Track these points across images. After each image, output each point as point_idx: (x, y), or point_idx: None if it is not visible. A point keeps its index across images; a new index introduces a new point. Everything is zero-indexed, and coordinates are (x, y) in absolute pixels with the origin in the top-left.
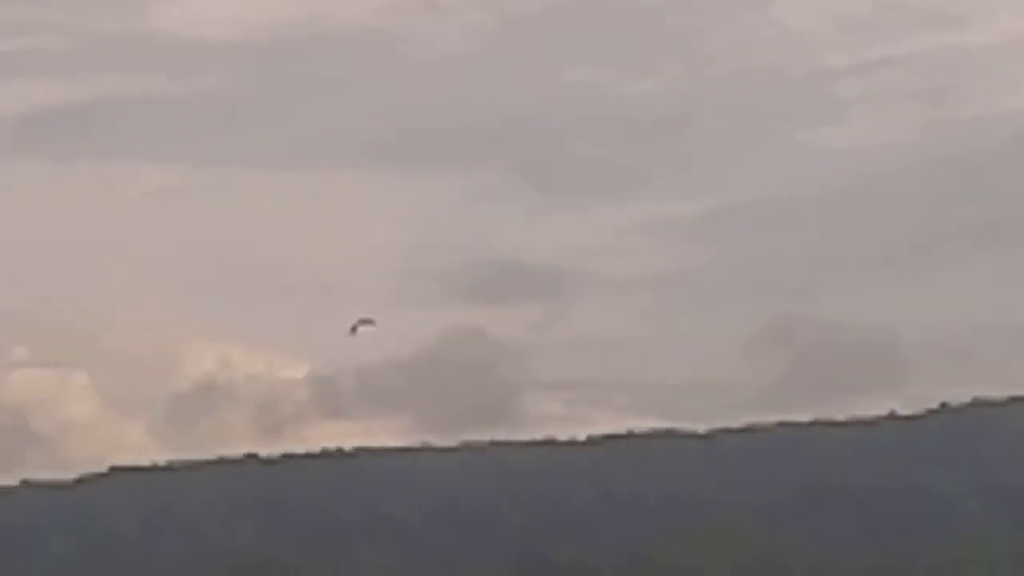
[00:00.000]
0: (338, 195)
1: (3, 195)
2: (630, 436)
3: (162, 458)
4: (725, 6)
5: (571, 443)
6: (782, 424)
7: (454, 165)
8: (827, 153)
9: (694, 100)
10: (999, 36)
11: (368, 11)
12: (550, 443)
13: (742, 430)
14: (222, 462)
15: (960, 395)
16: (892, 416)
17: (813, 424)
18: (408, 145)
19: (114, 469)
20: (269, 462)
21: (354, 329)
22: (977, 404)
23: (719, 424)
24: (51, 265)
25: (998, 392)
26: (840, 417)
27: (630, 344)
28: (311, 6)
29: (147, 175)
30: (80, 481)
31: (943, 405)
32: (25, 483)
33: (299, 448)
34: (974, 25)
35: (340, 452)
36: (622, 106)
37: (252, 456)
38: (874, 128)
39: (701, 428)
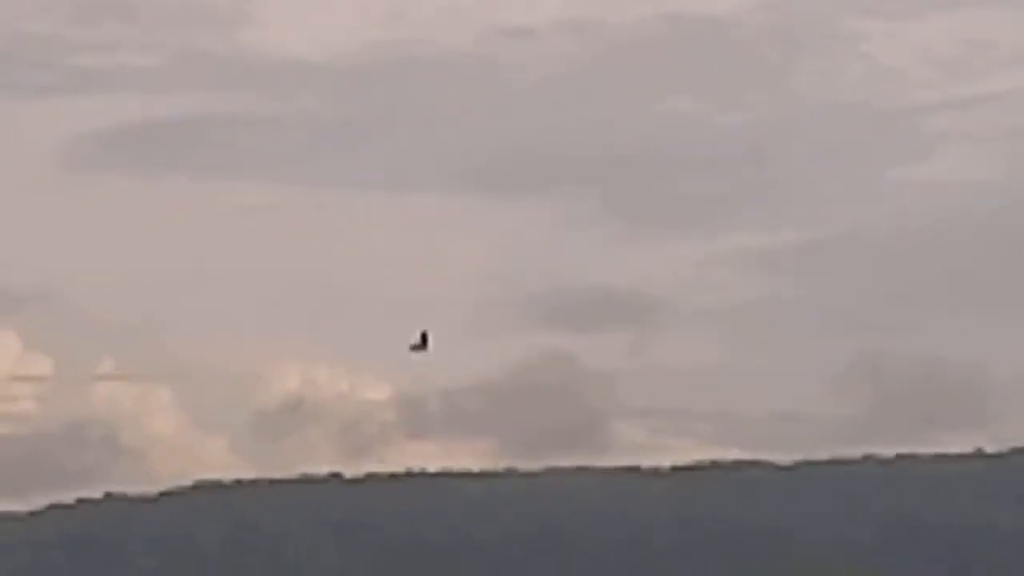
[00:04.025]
0: (427, 218)
1: (92, 211)
2: (714, 466)
3: (245, 475)
4: (815, 40)
5: (654, 471)
6: (867, 458)
7: (543, 192)
8: (915, 189)
9: (782, 133)
10: None
11: (463, 35)
12: (634, 470)
13: (827, 463)
14: (305, 480)
15: None
16: (979, 453)
17: (899, 459)
18: (498, 171)
19: (198, 484)
20: (352, 482)
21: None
22: None
23: (804, 456)
24: (137, 280)
25: None
26: (926, 453)
27: (715, 374)
28: (405, 29)
29: (236, 194)
30: (164, 495)
31: None
32: (109, 496)
33: (382, 469)
34: None
35: (424, 474)
36: (711, 136)
37: (335, 476)
38: (963, 165)
39: (785, 460)
